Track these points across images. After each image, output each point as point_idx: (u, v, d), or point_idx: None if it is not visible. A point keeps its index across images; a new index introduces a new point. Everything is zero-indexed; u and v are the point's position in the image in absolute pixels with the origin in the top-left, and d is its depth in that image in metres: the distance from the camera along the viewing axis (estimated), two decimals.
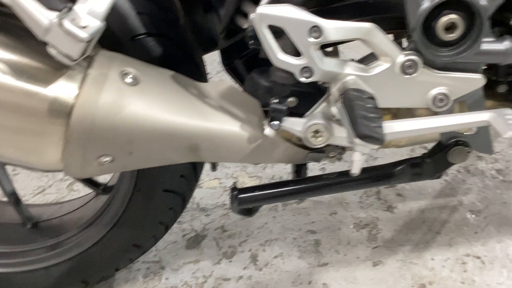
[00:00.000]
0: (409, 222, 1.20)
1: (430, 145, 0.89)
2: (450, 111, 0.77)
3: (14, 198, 1.12)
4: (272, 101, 0.77)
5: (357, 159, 0.71)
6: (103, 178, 1.16)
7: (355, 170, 0.73)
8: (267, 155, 0.84)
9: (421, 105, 0.76)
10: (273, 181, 1.37)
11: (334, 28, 0.70)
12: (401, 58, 0.73)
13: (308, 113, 0.79)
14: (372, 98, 0.71)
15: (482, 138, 0.83)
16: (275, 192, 0.90)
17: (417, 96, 0.75)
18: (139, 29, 0.85)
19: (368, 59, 0.81)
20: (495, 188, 1.25)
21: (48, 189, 1.46)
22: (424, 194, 1.26)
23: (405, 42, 0.83)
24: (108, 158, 0.74)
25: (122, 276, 1.15)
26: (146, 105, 0.74)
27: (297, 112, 0.82)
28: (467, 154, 0.83)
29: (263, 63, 0.77)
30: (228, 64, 0.95)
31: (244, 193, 0.89)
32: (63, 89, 0.71)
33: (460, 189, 1.26)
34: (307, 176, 0.93)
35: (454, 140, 0.83)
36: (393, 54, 0.73)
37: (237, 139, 0.80)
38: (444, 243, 1.14)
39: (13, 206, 1.12)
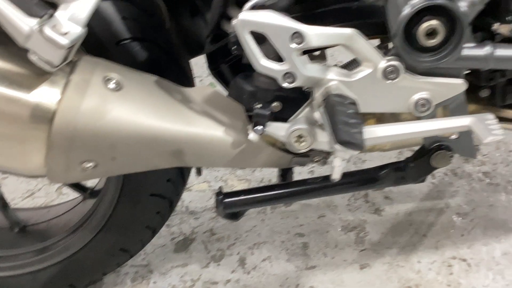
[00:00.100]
0: (396, 225, 1.20)
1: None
2: (432, 116, 0.78)
3: (2, 203, 1.12)
4: (255, 106, 0.77)
5: (338, 165, 0.71)
6: (91, 182, 1.16)
7: (336, 176, 0.73)
8: (251, 159, 0.84)
9: (403, 110, 0.77)
10: (262, 184, 1.38)
11: (315, 34, 0.71)
12: (383, 63, 0.74)
13: (291, 118, 0.79)
14: (353, 103, 0.72)
15: (464, 142, 0.83)
16: (260, 196, 0.90)
17: (399, 101, 0.76)
18: (124, 34, 0.86)
19: (352, 65, 0.82)
20: (482, 191, 1.25)
21: (37, 192, 1.46)
22: (412, 197, 1.27)
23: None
24: (91, 164, 0.75)
25: (110, 280, 1.15)
26: (129, 110, 0.74)
27: (282, 116, 0.82)
28: (450, 158, 0.84)
29: (248, 68, 0.78)
30: (214, 69, 0.95)
31: (230, 198, 0.89)
32: (45, 95, 0.71)
33: (447, 192, 1.27)
34: (292, 180, 0.94)
35: (437, 144, 0.83)
36: (375, 59, 0.74)
37: (221, 144, 0.80)
38: (430, 245, 1.14)
39: (0, 211, 1.12)
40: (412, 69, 0.75)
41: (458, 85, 0.75)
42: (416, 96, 0.75)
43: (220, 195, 0.90)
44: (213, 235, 1.25)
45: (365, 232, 1.20)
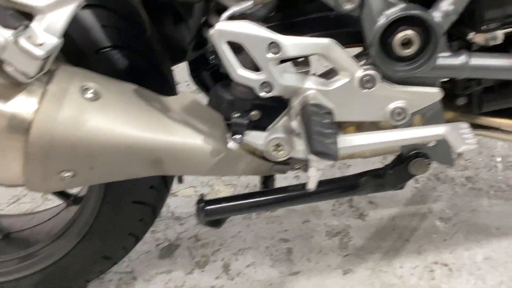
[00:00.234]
0: (380, 230, 1.21)
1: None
2: (409, 124, 0.78)
3: None
4: (234, 115, 0.77)
5: (313, 175, 0.72)
6: (74, 189, 1.15)
7: (311, 186, 0.74)
8: (231, 167, 0.85)
9: (379, 118, 0.77)
10: (248, 188, 1.38)
11: (292, 44, 0.71)
12: (360, 72, 0.74)
13: (270, 126, 0.80)
14: (329, 113, 0.72)
15: (442, 150, 0.84)
16: (241, 203, 0.91)
17: (376, 110, 0.76)
18: (104, 42, 0.86)
19: (330, 73, 0.82)
20: (464, 196, 1.26)
21: (23, 198, 1.45)
22: (395, 202, 1.28)
23: None
24: (69, 174, 0.75)
25: (94, 287, 1.15)
26: (107, 120, 0.74)
27: (261, 125, 0.82)
28: (428, 166, 0.84)
29: (228, 77, 0.78)
30: (196, 76, 0.95)
31: (211, 205, 0.90)
32: (22, 105, 0.71)
33: (430, 197, 1.28)
34: (274, 187, 0.94)
35: (415, 152, 0.84)
36: (351, 68, 0.74)
37: (200, 153, 0.81)
38: (413, 250, 1.15)
39: None
40: (388, 78, 0.75)
41: (434, 94, 0.76)
42: (392, 105, 0.76)
43: (201, 202, 0.90)
44: (198, 241, 1.25)
45: (349, 237, 1.21)
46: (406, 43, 0.72)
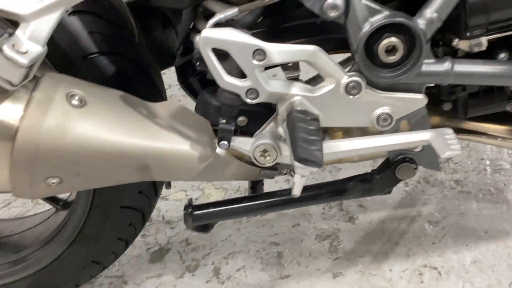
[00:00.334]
0: (370, 233, 1.22)
1: None
2: (395, 130, 0.79)
3: None
4: (221, 121, 0.78)
5: (297, 181, 0.72)
6: (64, 194, 1.15)
7: (296, 192, 0.74)
8: (219, 173, 0.85)
9: (366, 124, 0.78)
10: (238, 192, 1.38)
11: (277, 51, 0.72)
12: (345, 79, 0.75)
13: (256, 132, 0.80)
14: (315, 119, 0.73)
15: (428, 155, 0.84)
16: (229, 208, 0.91)
17: (362, 116, 0.77)
18: (91, 48, 0.86)
19: (316, 80, 0.83)
20: (453, 199, 1.27)
21: (14, 202, 1.45)
22: (385, 205, 1.28)
23: None
24: (55, 180, 0.75)
25: None
26: (93, 126, 0.74)
27: (248, 130, 0.83)
28: (414, 171, 0.85)
29: (215, 83, 0.78)
30: (184, 82, 0.95)
31: (199, 210, 0.90)
32: (8, 112, 0.71)
33: (419, 200, 1.28)
34: (262, 192, 0.94)
35: (401, 157, 0.85)
36: (337, 75, 0.75)
37: (188, 159, 0.81)
38: (402, 254, 1.16)
39: None
40: (374, 85, 0.76)
41: (419, 100, 0.77)
42: (378, 111, 0.77)
43: (189, 207, 0.90)
44: (188, 245, 1.25)
45: (338, 240, 1.21)
46: (391, 50, 0.72)
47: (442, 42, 0.80)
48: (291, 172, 0.90)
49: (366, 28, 0.71)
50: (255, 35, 0.74)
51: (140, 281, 1.17)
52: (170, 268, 1.19)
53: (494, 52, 0.78)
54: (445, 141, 0.72)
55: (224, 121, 0.77)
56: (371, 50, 0.73)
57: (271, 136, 0.79)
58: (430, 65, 0.75)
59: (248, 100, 0.75)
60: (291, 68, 0.93)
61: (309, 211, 1.29)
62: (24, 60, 0.64)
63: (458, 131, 0.90)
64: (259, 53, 0.71)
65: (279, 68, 0.83)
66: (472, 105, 0.85)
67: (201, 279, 1.16)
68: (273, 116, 0.79)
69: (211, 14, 0.77)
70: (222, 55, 0.73)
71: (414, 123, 0.81)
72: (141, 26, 0.98)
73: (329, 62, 0.74)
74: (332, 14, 0.71)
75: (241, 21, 0.78)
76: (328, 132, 0.86)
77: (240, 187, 1.40)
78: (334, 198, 0.91)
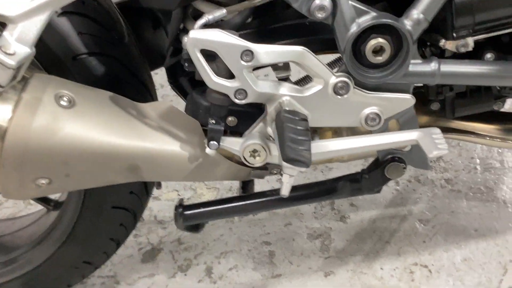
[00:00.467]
0: (361, 232, 1.22)
1: None
2: (383, 130, 0.80)
3: None
4: (210, 121, 0.78)
5: (286, 181, 0.72)
6: (55, 194, 1.15)
7: (285, 192, 0.75)
8: (209, 173, 0.85)
9: (354, 124, 0.78)
10: (230, 192, 1.39)
11: (265, 52, 0.72)
12: (333, 79, 0.75)
13: (246, 132, 0.81)
14: (304, 120, 0.73)
15: (417, 154, 0.85)
16: (220, 208, 0.92)
17: (350, 116, 0.77)
18: (81, 49, 0.86)
19: (305, 80, 0.83)
20: (444, 198, 1.28)
21: (5, 203, 1.44)
22: (376, 204, 1.29)
23: None
24: (44, 181, 0.75)
25: None
26: (82, 127, 0.74)
27: (238, 130, 0.83)
28: (403, 170, 0.85)
29: (204, 83, 0.78)
30: (174, 82, 0.96)
31: (189, 210, 0.90)
32: None
33: (410, 199, 1.29)
34: (253, 192, 0.95)
35: (390, 156, 0.85)
36: (325, 76, 0.75)
37: (177, 159, 0.81)
38: (393, 252, 1.16)
39: None
40: (362, 85, 0.76)
41: (407, 100, 0.77)
42: (366, 111, 0.77)
43: (180, 207, 0.90)
44: (180, 244, 1.25)
45: (330, 239, 1.22)
46: (378, 50, 0.73)
47: (430, 43, 0.81)
48: (282, 172, 0.91)
49: (354, 29, 0.71)
50: (243, 36, 0.74)
51: (132, 281, 1.17)
52: (162, 268, 1.20)
53: (480, 52, 0.78)
54: (432, 141, 0.73)
55: (213, 121, 0.77)
56: (359, 50, 0.73)
57: (261, 136, 0.79)
58: (417, 66, 0.75)
59: (237, 101, 0.75)
60: (281, 68, 0.94)
61: (301, 210, 1.30)
62: (11, 62, 0.64)
63: (447, 130, 0.91)
64: (247, 54, 0.72)
65: (270, 68, 0.83)
66: (460, 105, 0.85)
67: (193, 278, 1.17)
68: (262, 116, 0.79)
69: (200, 15, 0.77)
70: (211, 55, 0.73)
71: (402, 122, 0.81)
72: (131, 27, 0.98)
73: (316, 62, 0.74)
74: (320, 15, 0.71)
75: (230, 22, 0.78)
76: (317, 132, 0.87)
77: (232, 187, 1.40)
78: (324, 197, 0.91)
